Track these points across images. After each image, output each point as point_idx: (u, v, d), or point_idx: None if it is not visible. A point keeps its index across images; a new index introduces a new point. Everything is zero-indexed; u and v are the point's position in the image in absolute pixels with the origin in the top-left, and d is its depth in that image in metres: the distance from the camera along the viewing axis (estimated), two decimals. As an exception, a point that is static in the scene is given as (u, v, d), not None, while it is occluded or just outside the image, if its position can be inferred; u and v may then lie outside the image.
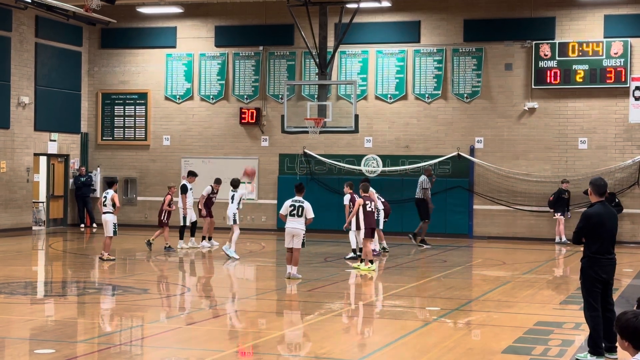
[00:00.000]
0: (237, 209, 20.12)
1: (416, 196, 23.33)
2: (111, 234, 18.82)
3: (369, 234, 18.00)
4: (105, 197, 18.95)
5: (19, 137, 26.85)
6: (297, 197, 16.28)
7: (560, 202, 24.69)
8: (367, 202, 18.13)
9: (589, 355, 9.73)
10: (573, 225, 24.64)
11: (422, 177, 23.36)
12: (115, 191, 19.13)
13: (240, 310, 13.42)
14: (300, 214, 16.04)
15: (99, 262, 18.75)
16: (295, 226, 16.07)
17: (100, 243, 23.37)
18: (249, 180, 24.08)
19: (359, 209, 18.11)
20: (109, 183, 19.52)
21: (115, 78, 29.52)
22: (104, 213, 18.90)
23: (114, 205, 18.83)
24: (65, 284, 16.42)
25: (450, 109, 26.64)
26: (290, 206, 16.10)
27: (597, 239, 9.78)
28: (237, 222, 20.00)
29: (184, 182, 22.24)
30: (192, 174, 22.18)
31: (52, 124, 28.10)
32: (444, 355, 10.07)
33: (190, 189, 21.79)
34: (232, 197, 20.20)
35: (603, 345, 9.78)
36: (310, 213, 16.11)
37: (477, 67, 26.34)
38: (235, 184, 20.56)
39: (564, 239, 24.61)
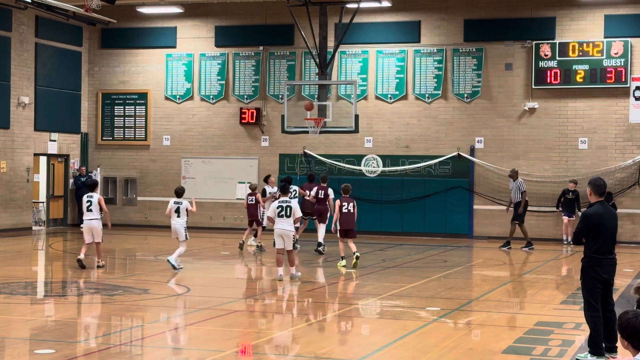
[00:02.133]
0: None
1: None
2: (100, 240, 17.79)
3: (343, 234, 18.60)
4: (89, 201, 17.44)
5: (19, 137, 26.85)
6: (283, 198, 16.21)
7: (564, 202, 24.67)
8: (344, 203, 18.58)
9: (589, 355, 9.73)
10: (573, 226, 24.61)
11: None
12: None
13: (240, 310, 13.41)
14: (288, 214, 15.92)
15: (97, 269, 17.79)
16: (285, 227, 15.96)
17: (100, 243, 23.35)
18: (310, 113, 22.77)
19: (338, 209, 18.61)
20: (90, 186, 17.98)
21: (115, 78, 29.52)
22: (92, 219, 17.52)
23: (100, 210, 17.61)
24: (66, 284, 16.41)
25: (450, 109, 26.64)
26: (278, 207, 16.00)
27: (597, 239, 9.77)
28: (187, 238, 17.64)
29: (265, 186, 22.36)
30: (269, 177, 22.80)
31: (52, 124, 28.10)
32: (444, 355, 10.06)
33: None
34: (178, 210, 17.48)
35: (603, 345, 9.77)
36: (298, 212, 16.06)
37: (477, 67, 26.34)
38: (180, 192, 17.96)
39: (564, 239, 24.62)
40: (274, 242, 16.28)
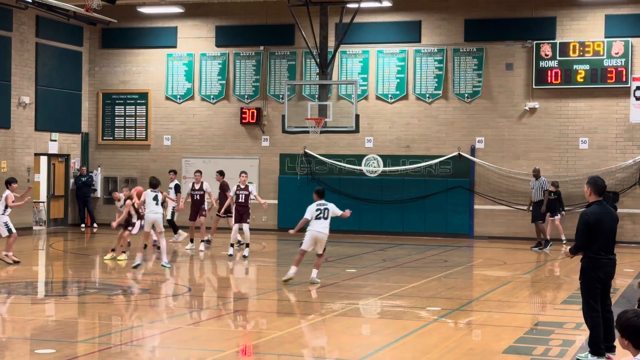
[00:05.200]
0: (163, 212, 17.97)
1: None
2: (7, 234, 17.89)
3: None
4: None
5: (20, 137, 26.85)
6: (320, 201, 15.89)
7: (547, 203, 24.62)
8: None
9: (589, 355, 9.72)
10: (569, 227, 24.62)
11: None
12: (12, 191, 18.00)
13: (241, 310, 13.41)
14: (326, 216, 15.71)
15: (6, 265, 17.53)
16: (321, 230, 15.67)
17: (101, 243, 23.38)
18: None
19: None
20: (8, 182, 18.05)
21: (116, 78, 29.53)
22: None
23: (6, 207, 17.81)
24: (66, 284, 16.42)
25: (451, 108, 26.64)
26: (317, 210, 15.69)
27: (595, 239, 9.73)
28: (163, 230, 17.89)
29: (176, 181, 22.87)
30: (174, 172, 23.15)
31: (52, 124, 28.10)
32: (445, 355, 10.06)
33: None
34: (157, 198, 17.68)
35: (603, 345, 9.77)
36: (337, 211, 15.89)
37: (477, 67, 26.33)
38: (155, 184, 18.09)
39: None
40: (302, 242, 15.90)
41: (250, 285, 17.22)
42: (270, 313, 13.45)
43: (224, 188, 21.70)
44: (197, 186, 21.70)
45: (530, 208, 23.81)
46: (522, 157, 25.99)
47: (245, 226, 19.92)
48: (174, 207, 22.75)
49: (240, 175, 20.28)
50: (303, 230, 15.96)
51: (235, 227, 19.93)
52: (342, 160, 27.19)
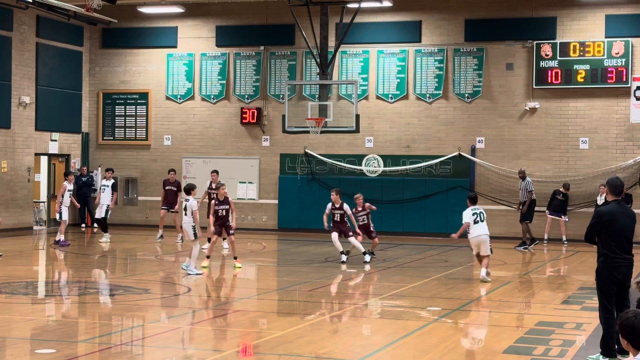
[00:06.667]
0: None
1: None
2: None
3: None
4: None
5: (20, 137, 26.86)
6: (473, 206, 16.54)
7: (552, 202, 24.69)
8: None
9: (601, 356, 9.67)
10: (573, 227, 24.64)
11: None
12: None
13: (241, 310, 13.41)
14: (482, 219, 16.44)
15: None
16: (482, 233, 16.43)
17: (102, 243, 23.40)
18: None
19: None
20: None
21: (116, 78, 29.53)
22: None
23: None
24: (66, 284, 16.42)
25: (451, 108, 26.63)
26: (473, 214, 16.37)
27: (610, 238, 9.67)
28: (197, 237, 16.96)
29: (113, 180, 24.14)
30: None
31: (53, 124, 28.11)
32: (445, 355, 10.06)
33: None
34: (186, 208, 17.05)
35: (616, 346, 9.67)
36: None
37: (478, 67, 26.33)
38: (186, 189, 17.27)
39: (546, 237, 24.73)
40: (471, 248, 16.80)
41: (250, 285, 17.21)
42: (270, 313, 13.45)
43: (177, 185, 23.18)
44: (214, 185, 21.53)
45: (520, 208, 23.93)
46: (523, 157, 25.99)
47: (352, 239, 19.19)
48: (107, 205, 23.63)
49: (331, 194, 19.62)
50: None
51: (335, 235, 19.22)
52: (342, 160, 27.19)
